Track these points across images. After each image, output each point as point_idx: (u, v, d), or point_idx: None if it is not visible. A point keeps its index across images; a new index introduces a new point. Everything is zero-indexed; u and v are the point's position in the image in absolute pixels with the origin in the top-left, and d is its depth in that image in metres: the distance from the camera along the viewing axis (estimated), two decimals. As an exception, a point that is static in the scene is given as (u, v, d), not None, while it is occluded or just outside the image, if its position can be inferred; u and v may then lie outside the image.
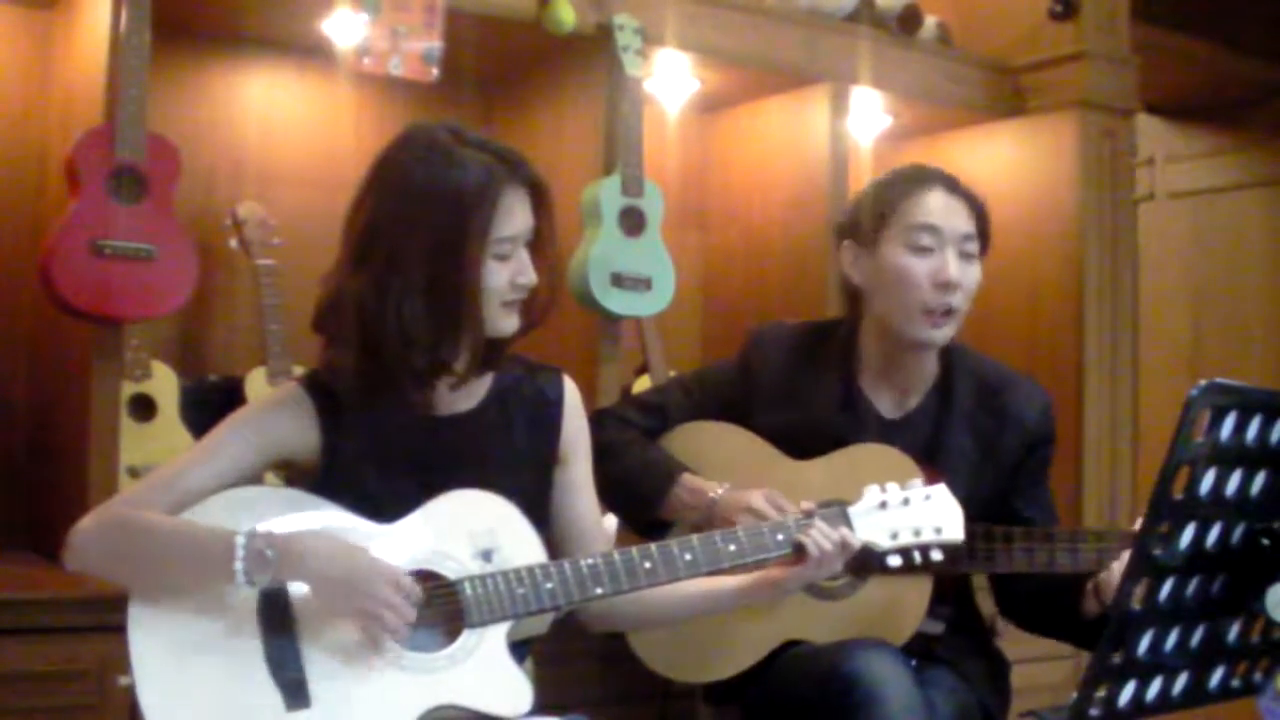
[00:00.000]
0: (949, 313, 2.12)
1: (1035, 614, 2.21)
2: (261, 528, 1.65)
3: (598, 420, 2.15)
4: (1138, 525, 1.96)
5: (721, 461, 2.20)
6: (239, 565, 1.61)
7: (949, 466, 2.13)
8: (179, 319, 2.89)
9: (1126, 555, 1.89)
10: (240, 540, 1.62)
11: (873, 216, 2.17)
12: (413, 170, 1.74)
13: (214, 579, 1.64)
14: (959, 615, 2.20)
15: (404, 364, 1.73)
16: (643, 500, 2.15)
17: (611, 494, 2.11)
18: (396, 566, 1.67)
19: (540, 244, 1.81)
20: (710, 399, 2.28)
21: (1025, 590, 2.18)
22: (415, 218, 1.72)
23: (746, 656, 2.13)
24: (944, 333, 2.14)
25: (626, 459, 2.16)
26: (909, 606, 2.06)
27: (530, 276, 1.78)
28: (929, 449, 2.15)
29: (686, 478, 2.15)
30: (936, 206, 2.14)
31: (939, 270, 2.11)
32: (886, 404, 2.22)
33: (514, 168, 1.76)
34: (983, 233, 2.18)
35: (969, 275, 2.14)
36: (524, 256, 1.78)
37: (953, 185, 2.17)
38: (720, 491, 2.11)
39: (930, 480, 1.98)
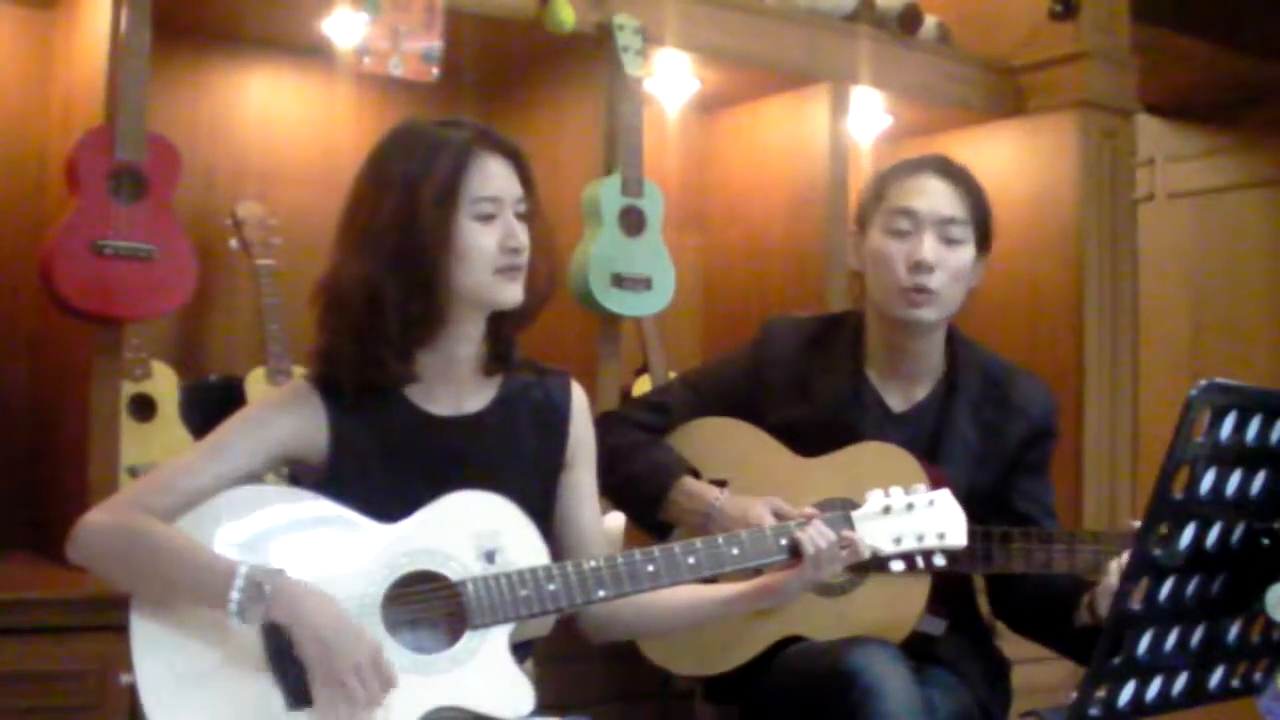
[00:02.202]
0: (928, 293, 2.13)
1: (1028, 620, 2.21)
2: (265, 562, 1.64)
3: (603, 424, 2.14)
4: (1136, 525, 1.98)
5: (728, 458, 2.20)
6: (235, 595, 1.59)
7: (951, 457, 2.14)
8: (179, 319, 2.89)
9: (1125, 558, 1.89)
10: (242, 571, 1.61)
11: (867, 203, 2.23)
12: (387, 151, 1.80)
13: (209, 605, 1.63)
14: (959, 616, 2.20)
15: (377, 331, 1.74)
16: (644, 503, 2.16)
17: (617, 497, 2.12)
18: (379, 645, 1.64)
19: (531, 215, 1.82)
20: (719, 395, 2.28)
21: (1021, 596, 2.18)
22: (384, 187, 1.75)
23: (746, 651, 2.13)
24: (924, 313, 2.14)
25: (631, 462, 2.16)
26: (907, 605, 2.07)
27: (520, 239, 1.78)
28: (933, 440, 2.16)
29: (686, 481, 2.15)
30: (918, 190, 2.16)
31: (912, 251, 2.13)
32: (894, 396, 2.23)
33: (484, 135, 1.79)
34: (979, 220, 2.19)
35: (949, 258, 2.14)
36: (511, 220, 1.79)
37: (945, 170, 2.20)
38: (720, 499, 2.11)
39: (933, 477, 1.99)
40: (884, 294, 2.16)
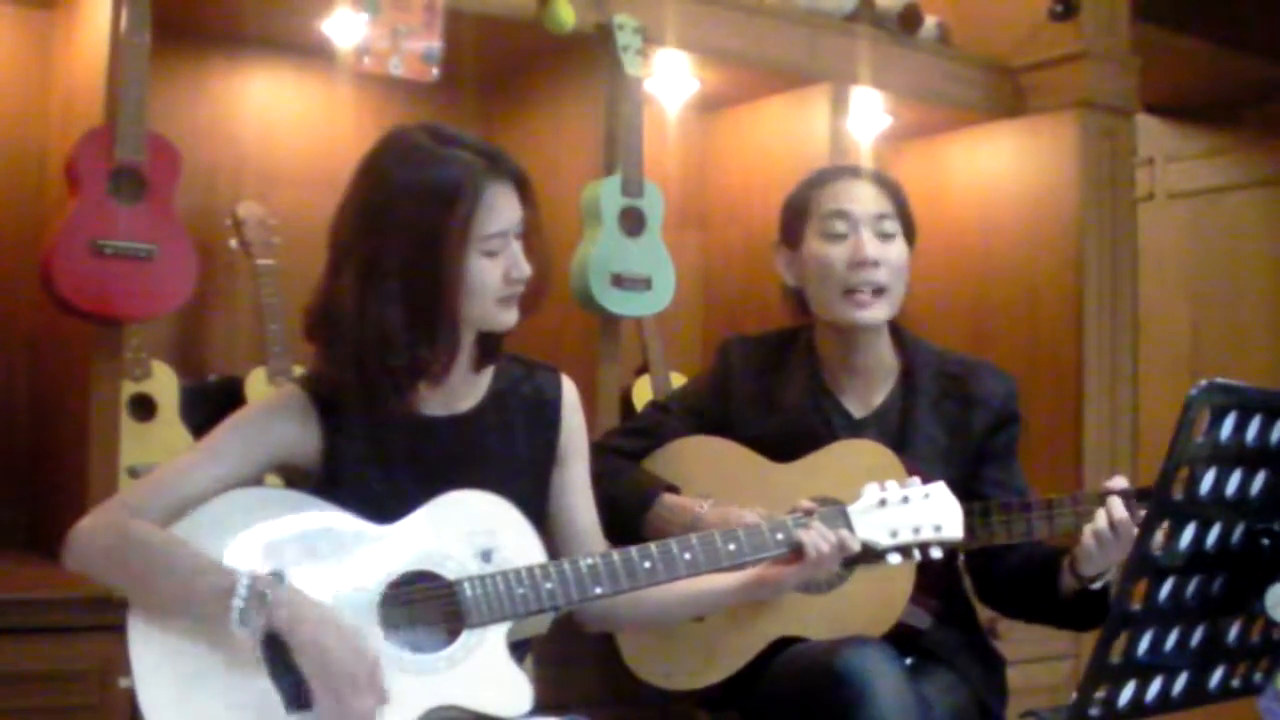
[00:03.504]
0: (878, 292, 2.16)
1: (1013, 596, 2.22)
2: (263, 564, 1.64)
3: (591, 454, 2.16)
4: (1112, 482, 1.99)
5: (708, 474, 2.22)
6: (237, 603, 1.59)
7: (919, 455, 2.15)
8: (179, 319, 2.89)
9: (1099, 515, 1.94)
10: (243, 581, 1.60)
11: (794, 218, 2.25)
12: (391, 171, 1.75)
13: (207, 614, 1.62)
14: (948, 609, 2.21)
15: (382, 366, 1.73)
16: (625, 523, 2.15)
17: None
18: (377, 659, 1.63)
19: (528, 233, 1.81)
20: (691, 416, 2.31)
21: (1002, 573, 2.19)
22: (393, 217, 1.72)
23: (738, 658, 2.13)
24: (874, 313, 2.17)
25: (610, 485, 2.16)
26: (891, 596, 2.07)
27: (524, 269, 1.78)
28: (898, 441, 2.17)
29: (666, 498, 2.17)
30: (845, 192, 2.21)
31: (855, 251, 2.16)
32: (854, 403, 2.25)
33: (494, 162, 1.77)
34: (903, 215, 2.23)
35: (889, 253, 2.19)
36: (515, 250, 1.78)
37: (864, 172, 2.26)
38: (705, 507, 2.12)
39: (909, 470, 1.99)
40: (829, 300, 2.18)
